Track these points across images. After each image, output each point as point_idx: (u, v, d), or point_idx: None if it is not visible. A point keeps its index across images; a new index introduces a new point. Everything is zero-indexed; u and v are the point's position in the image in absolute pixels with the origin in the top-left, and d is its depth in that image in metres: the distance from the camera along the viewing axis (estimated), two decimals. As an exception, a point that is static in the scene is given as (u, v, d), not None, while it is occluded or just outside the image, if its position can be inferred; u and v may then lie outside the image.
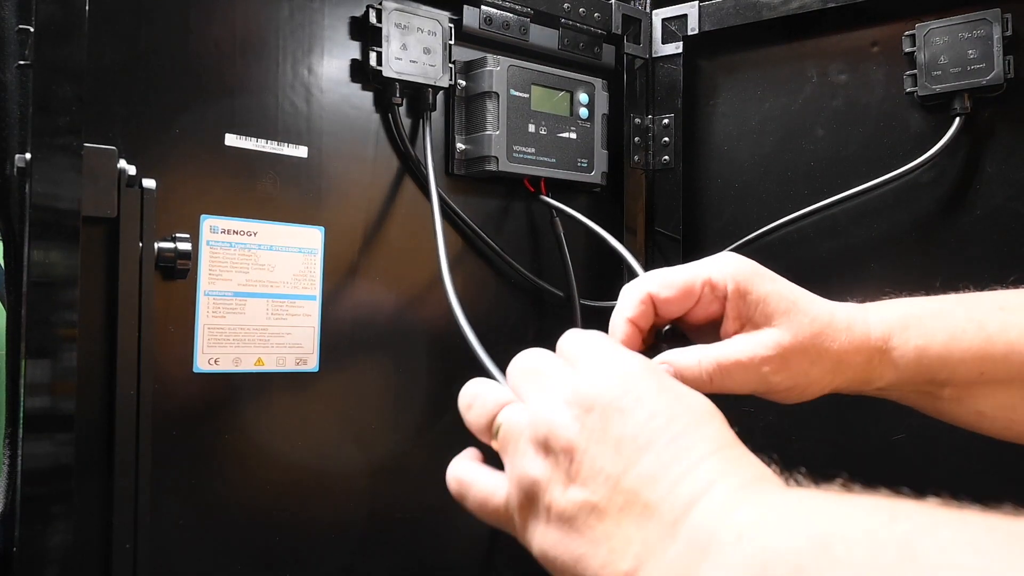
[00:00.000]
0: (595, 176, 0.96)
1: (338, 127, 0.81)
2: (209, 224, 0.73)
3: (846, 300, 0.54)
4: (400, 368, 0.85)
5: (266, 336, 0.76)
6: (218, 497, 0.74)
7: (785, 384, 0.49)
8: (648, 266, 1.02)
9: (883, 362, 0.51)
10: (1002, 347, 0.49)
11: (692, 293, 0.50)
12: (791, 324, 0.49)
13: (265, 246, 0.76)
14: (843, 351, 0.49)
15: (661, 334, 0.53)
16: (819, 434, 0.91)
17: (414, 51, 0.82)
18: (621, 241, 1.02)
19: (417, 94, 0.85)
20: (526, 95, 0.90)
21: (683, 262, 0.54)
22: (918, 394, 0.53)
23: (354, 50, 0.82)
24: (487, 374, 0.51)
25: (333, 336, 0.80)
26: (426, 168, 0.83)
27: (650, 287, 0.50)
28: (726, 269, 0.50)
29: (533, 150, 0.90)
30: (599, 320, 1.00)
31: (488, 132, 0.87)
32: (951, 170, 0.85)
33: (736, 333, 0.49)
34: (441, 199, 0.83)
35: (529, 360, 0.45)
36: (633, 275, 0.57)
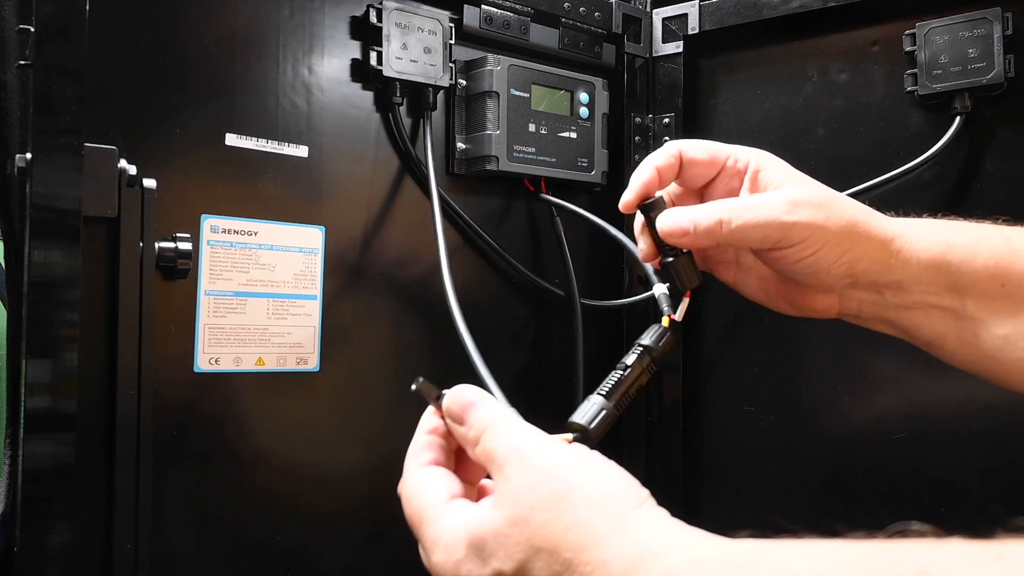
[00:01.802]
0: (595, 176, 0.96)
1: (338, 127, 0.81)
2: (209, 224, 0.73)
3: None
4: (401, 368, 0.85)
5: (267, 336, 0.76)
6: (219, 496, 0.74)
7: (800, 234, 0.50)
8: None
9: (903, 250, 0.51)
10: None
11: (717, 162, 0.54)
12: (804, 187, 0.52)
13: (266, 246, 0.76)
14: (856, 220, 0.50)
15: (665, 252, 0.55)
16: (819, 434, 0.91)
17: (414, 51, 0.82)
18: (621, 241, 1.02)
19: (417, 93, 0.85)
20: (526, 94, 0.90)
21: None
22: (940, 312, 0.52)
23: (354, 50, 0.82)
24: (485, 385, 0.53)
25: (334, 336, 0.80)
26: (426, 168, 0.83)
27: (682, 144, 0.54)
28: (750, 151, 0.54)
29: (533, 150, 0.90)
30: (599, 320, 1.00)
31: (488, 131, 0.87)
32: (951, 169, 0.85)
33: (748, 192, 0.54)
34: (441, 198, 0.83)
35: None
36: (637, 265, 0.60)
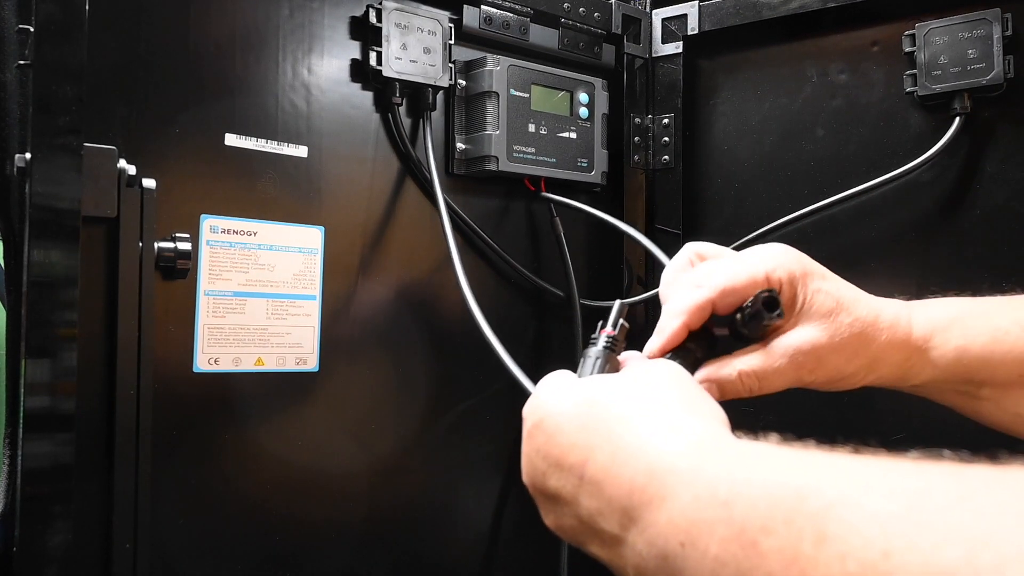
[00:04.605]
0: (595, 176, 0.96)
1: (338, 127, 0.81)
2: (209, 224, 0.73)
3: None
4: (400, 368, 0.85)
5: (266, 336, 0.76)
6: (218, 497, 0.74)
7: (820, 380, 0.50)
8: (648, 268, 1.02)
9: (921, 360, 0.51)
10: None
11: (749, 296, 0.50)
12: (832, 324, 0.50)
13: (265, 246, 0.76)
14: (881, 350, 0.50)
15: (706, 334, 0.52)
16: (819, 435, 0.91)
17: (414, 51, 0.82)
18: (621, 241, 1.02)
19: (417, 94, 0.85)
20: (526, 95, 0.90)
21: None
22: (956, 393, 0.53)
23: (354, 50, 0.82)
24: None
25: (333, 336, 0.80)
26: (428, 170, 0.83)
27: (712, 295, 0.50)
28: (782, 271, 0.50)
29: (533, 150, 0.90)
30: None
31: (488, 132, 0.87)
32: (951, 170, 0.85)
33: (782, 321, 0.51)
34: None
35: None
36: (660, 265, 0.58)
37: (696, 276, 0.51)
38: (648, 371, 0.45)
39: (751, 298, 0.49)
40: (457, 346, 0.88)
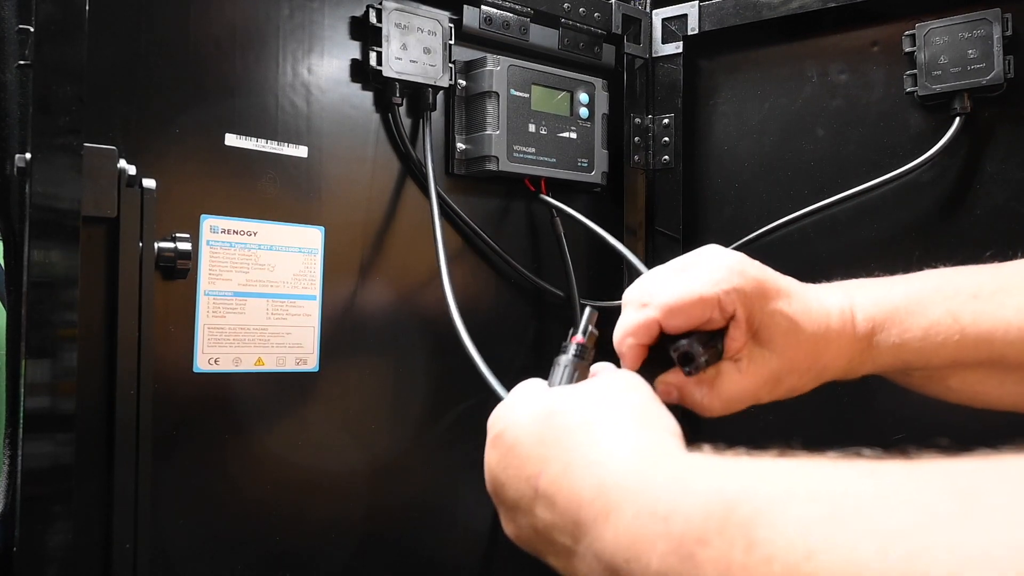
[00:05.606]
0: (595, 176, 0.96)
1: (338, 127, 0.81)
2: (209, 224, 0.73)
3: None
4: (400, 368, 0.85)
5: (266, 336, 0.76)
6: (218, 497, 0.74)
7: (776, 397, 0.52)
8: (648, 266, 1.02)
9: (862, 360, 0.53)
10: (974, 337, 0.50)
11: (700, 318, 0.50)
12: (788, 346, 0.51)
13: (265, 246, 0.76)
14: (830, 360, 0.52)
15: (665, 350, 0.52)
16: (819, 434, 0.91)
17: (414, 51, 0.82)
18: (621, 241, 1.02)
19: (417, 94, 0.85)
20: (526, 95, 0.90)
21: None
22: (891, 374, 0.56)
23: (354, 50, 0.82)
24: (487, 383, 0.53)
25: (333, 336, 0.80)
26: (426, 168, 0.83)
27: (657, 315, 0.50)
28: (733, 293, 0.49)
29: (533, 150, 0.90)
30: (599, 319, 1.00)
31: (488, 132, 0.87)
32: (951, 170, 0.85)
33: (741, 346, 0.51)
34: (441, 199, 0.83)
35: None
36: (636, 274, 0.58)
37: (641, 293, 0.51)
38: (607, 383, 0.45)
39: (683, 340, 0.49)
40: (457, 346, 0.88)
